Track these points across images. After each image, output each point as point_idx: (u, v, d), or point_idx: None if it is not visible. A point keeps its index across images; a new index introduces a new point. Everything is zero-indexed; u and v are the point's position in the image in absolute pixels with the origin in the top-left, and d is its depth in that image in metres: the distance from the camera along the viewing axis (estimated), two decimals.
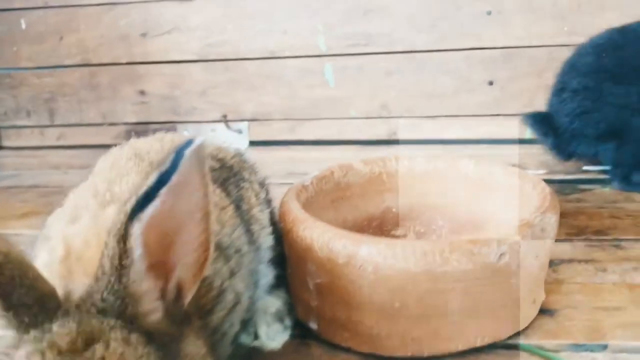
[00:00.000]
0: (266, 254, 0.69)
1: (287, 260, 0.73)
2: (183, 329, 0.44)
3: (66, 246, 0.46)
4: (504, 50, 1.35)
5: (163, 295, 0.41)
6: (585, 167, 1.23)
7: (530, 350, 0.65)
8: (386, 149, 1.42)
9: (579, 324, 0.70)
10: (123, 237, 0.38)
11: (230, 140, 1.41)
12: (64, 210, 0.54)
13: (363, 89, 1.43)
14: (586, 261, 0.85)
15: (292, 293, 0.74)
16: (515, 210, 0.78)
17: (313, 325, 0.70)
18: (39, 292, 0.39)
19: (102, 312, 0.39)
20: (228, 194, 0.64)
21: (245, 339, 0.66)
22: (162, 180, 0.37)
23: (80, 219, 0.50)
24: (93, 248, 0.44)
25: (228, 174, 0.68)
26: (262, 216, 0.70)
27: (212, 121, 1.52)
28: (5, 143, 1.66)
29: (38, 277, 0.40)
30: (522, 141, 1.36)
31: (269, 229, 0.71)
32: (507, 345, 0.66)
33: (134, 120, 1.56)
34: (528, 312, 0.69)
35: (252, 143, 1.50)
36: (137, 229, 0.37)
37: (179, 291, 0.43)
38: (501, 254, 0.61)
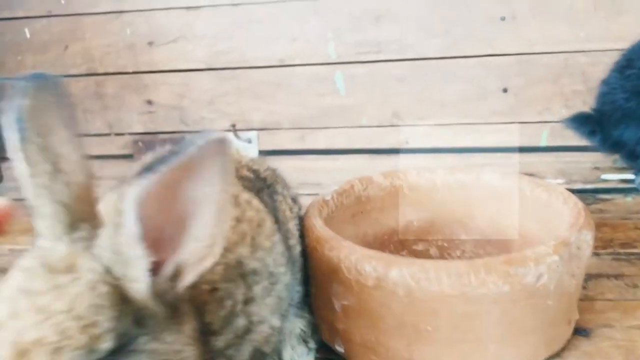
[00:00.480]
0: (299, 272, 0.67)
1: (311, 278, 0.70)
2: (172, 317, 0.44)
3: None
4: (518, 57, 1.33)
5: (155, 270, 0.41)
6: (604, 176, 1.21)
7: None
8: (398, 158, 1.39)
9: (616, 344, 0.67)
10: (119, 211, 0.39)
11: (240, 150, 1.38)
12: None
13: (374, 96, 1.41)
14: (615, 276, 0.82)
15: (316, 313, 0.71)
16: (544, 225, 0.76)
17: (339, 348, 0.67)
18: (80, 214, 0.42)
19: (97, 257, 0.41)
20: (265, 205, 0.62)
21: None
22: (164, 160, 0.38)
23: None
24: None
25: (262, 185, 0.67)
26: (295, 231, 0.68)
27: (221, 131, 1.49)
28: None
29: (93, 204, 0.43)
30: (537, 149, 1.34)
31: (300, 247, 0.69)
32: None
33: (141, 130, 1.54)
34: (563, 333, 0.66)
35: (262, 152, 1.47)
36: (132, 194, 0.38)
37: (176, 275, 0.43)
38: (539, 275, 0.58)
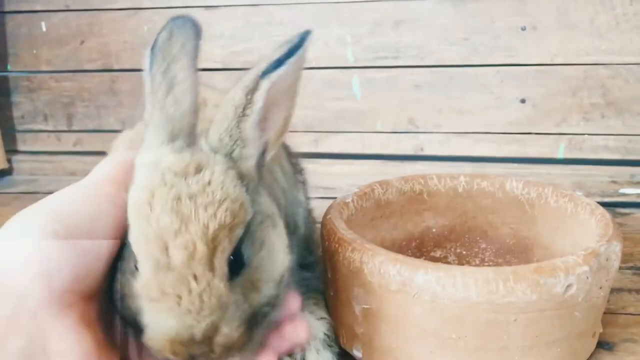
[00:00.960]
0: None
1: (330, 282, 0.69)
2: (260, 185, 0.53)
3: None
4: (538, 68, 1.32)
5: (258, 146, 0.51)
6: (622, 190, 1.19)
7: None
8: (413, 165, 1.38)
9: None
10: (252, 91, 0.48)
11: None
12: None
13: (391, 102, 1.40)
14: (637, 291, 0.81)
15: (334, 316, 0.70)
16: (568, 236, 0.75)
17: (357, 353, 0.66)
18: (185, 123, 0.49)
19: (214, 149, 0.49)
20: None
21: None
22: (290, 52, 0.48)
23: None
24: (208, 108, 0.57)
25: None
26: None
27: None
28: (21, 147, 1.62)
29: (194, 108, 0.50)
30: (555, 161, 1.32)
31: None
32: None
33: None
34: (588, 346, 0.65)
35: None
36: (265, 85, 0.48)
37: (264, 149, 0.52)
38: (568, 285, 0.57)
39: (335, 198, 0.80)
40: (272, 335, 0.52)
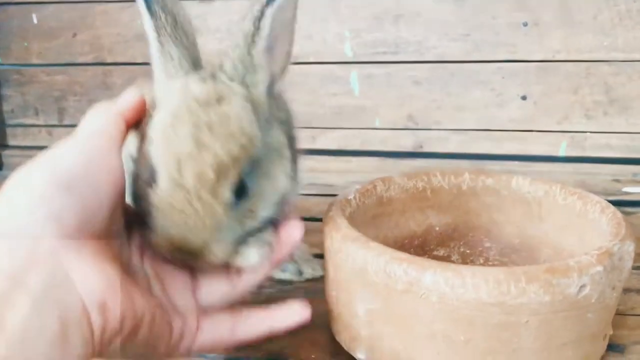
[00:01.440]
0: None
1: (332, 281, 0.66)
2: (272, 116, 0.58)
3: None
4: (539, 64, 1.29)
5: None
6: (625, 189, 1.17)
7: None
8: (412, 162, 1.36)
9: None
10: (259, 18, 0.53)
11: None
12: None
13: (389, 98, 1.37)
14: None
15: (335, 317, 0.67)
16: (577, 235, 0.73)
17: (361, 356, 0.64)
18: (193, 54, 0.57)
19: (230, 78, 0.55)
20: None
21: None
22: None
23: None
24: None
25: None
26: None
27: None
28: (12, 142, 1.59)
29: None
30: (556, 159, 1.30)
31: None
32: None
33: None
34: (599, 348, 0.63)
35: None
36: (269, 12, 0.53)
37: (272, 80, 0.58)
38: (582, 286, 0.55)
39: (332, 195, 0.78)
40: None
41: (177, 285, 0.60)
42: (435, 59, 1.33)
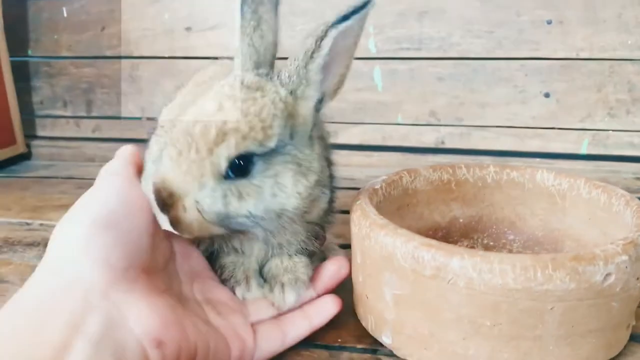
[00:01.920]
0: None
1: (360, 267, 0.68)
2: (310, 138, 0.63)
3: None
4: (563, 62, 1.30)
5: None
6: None
7: None
8: (433, 158, 1.37)
9: None
10: (321, 38, 0.58)
11: None
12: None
13: (412, 94, 1.39)
14: None
15: (362, 302, 0.69)
16: (601, 228, 0.74)
17: (386, 339, 0.65)
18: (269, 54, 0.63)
19: (282, 84, 0.60)
20: None
21: None
22: (356, 10, 0.59)
23: None
24: None
25: None
26: None
27: None
28: (40, 132, 1.62)
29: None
30: (578, 157, 1.31)
31: None
32: None
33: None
34: (622, 338, 0.64)
35: None
36: (332, 33, 0.58)
37: (322, 97, 0.63)
38: (607, 274, 0.56)
39: (354, 189, 0.80)
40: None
41: (229, 307, 0.63)
42: (458, 55, 1.35)
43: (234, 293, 0.66)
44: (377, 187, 0.76)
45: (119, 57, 1.54)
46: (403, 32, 1.36)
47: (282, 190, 0.60)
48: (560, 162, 1.30)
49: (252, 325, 0.63)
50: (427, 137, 1.39)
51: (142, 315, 0.48)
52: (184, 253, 0.64)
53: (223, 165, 0.56)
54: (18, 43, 1.56)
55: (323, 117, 0.69)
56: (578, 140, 1.32)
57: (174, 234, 0.65)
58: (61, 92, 1.59)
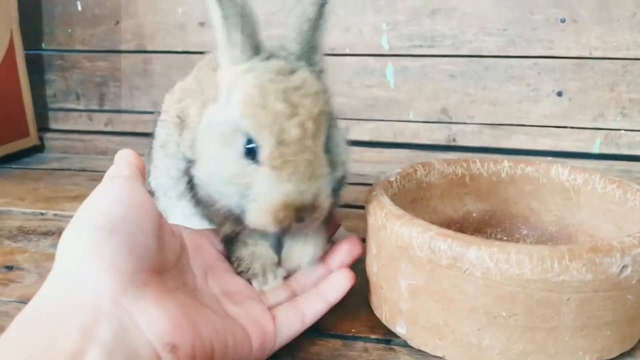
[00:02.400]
0: None
1: (375, 257, 0.68)
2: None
3: None
4: (576, 61, 1.30)
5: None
6: None
7: None
8: (444, 155, 1.37)
9: None
10: (322, 4, 0.60)
11: None
12: None
13: (424, 91, 1.39)
14: None
15: (376, 292, 0.69)
16: (616, 223, 0.74)
17: (400, 330, 0.66)
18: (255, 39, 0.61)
19: (295, 56, 0.61)
20: None
21: None
22: None
23: None
24: None
25: None
26: None
27: None
28: (53, 125, 1.63)
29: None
30: (590, 156, 1.31)
31: None
32: None
33: None
34: (636, 332, 0.64)
35: None
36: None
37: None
38: (624, 266, 0.56)
39: (365, 184, 0.81)
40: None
41: (245, 296, 0.64)
42: (471, 53, 1.35)
43: (251, 284, 0.67)
44: (392, 179, 0.77)
45: (133, 52, 1.55)
46: (416, 29, 1.36)
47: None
48: (572, 161, 1.30)
49: (270, 309, 0.63)
50: (439, 135, 1.40)
51: (153, 320, 0.48)
52: (195, 246, 0.64)
53: (324, 146, 0.59)
54: (32, 36, 1.58)
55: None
56: (590, 139, 1.31)
57: (182, 228, 0.65)
58: (74, 86, 1.60)
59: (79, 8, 1.56)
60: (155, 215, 0.53)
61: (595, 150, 1.31)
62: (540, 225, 0.83)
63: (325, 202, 0.58)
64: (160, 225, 0.54)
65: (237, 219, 0.60)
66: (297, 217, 0.56)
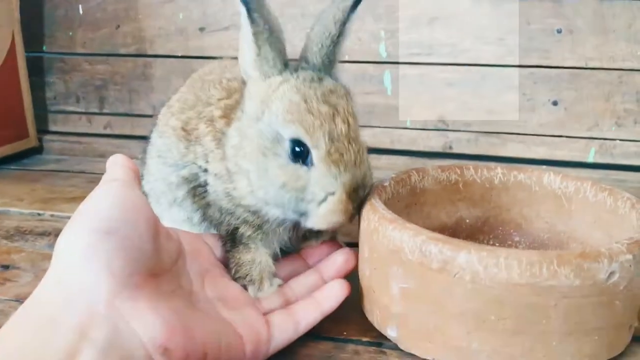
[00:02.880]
0: None
1: (367, 261, 0.69)
2: None
3: None
4: (572, 71, 1.31)
5: None
6: None
7: None
8: (440, 162, 1.38)
9: None
10: (343, 22, 0.68)
11: None
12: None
13: (421, 99, 1.40)
14: None
15: (368, 295, 0.70)
16: (607, 231, 0.74)
17: (391, 333, 0.66)
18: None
19: (318, 68, 0.67)
20: None
21: None
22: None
23: None
24: None
25: None
26: None
27: None
28: (52, 127, 1.64)
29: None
30: (585, 165, 1.32)
31: None
32: None
33: None
34: (624, 338, 0.64)
35: None
36: (353, 17, 0.69)
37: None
38: (611, 272, 0.57)
39: None
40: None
41: (241, 301, 0.65)
42: (468, 61, 1.36)
43: (246, 289, 0.68)
44: (386, 184, 0.78)
45: (133, 55, 1.56)
46: (414, 37, 1.37)
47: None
48: (567, 170, 1.30)
49: (265, 315, 0.64)
50: (435, 142, 1.41)
51: (146, 322, 0.48)
52: (193, 251, 0.65)
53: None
54: (33, 38, 1.59)
55: None
56: (585, 149, 1.32)
57: (181, 232, 0.65)
58: (74, 88, 1.61)
59: (81, 12, 1.57)
60: (151, 219, 0.54)
61: (590, 159, 1.32)
62: (532, 232, 0.84)
63: (371, 180, 0.69)
64: (156, 228, 0.54)
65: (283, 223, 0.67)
66: (359, 198, 0.65)
